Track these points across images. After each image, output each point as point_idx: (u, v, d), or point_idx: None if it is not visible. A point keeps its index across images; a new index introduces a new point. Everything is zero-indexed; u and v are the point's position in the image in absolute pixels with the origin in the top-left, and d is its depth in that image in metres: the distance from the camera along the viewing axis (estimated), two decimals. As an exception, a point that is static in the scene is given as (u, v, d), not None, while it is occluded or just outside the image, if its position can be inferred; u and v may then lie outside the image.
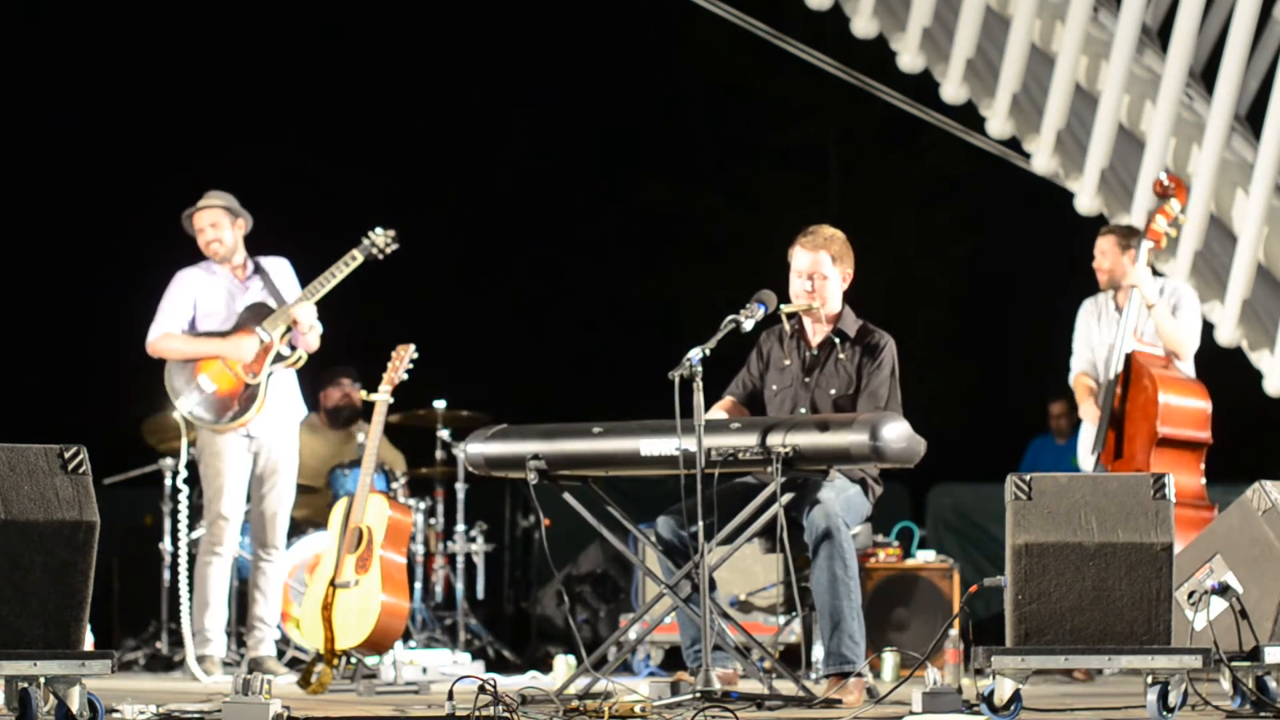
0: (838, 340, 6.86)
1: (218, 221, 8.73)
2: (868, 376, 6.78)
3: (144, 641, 10.17)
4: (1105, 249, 8.54)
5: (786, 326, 6.94)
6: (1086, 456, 8.56)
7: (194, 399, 8.56)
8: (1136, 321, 8.44)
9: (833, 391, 6.80)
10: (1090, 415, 8.48)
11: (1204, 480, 8.38)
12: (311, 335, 8.66)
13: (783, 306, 6.73)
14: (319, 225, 9.11)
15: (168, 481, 10.19)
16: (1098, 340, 8.60)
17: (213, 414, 8.55)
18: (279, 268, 8.84)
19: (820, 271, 6.84)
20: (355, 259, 8.63)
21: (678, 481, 6.23)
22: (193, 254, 8.84)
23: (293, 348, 8.66)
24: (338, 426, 10.45)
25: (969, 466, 13.88)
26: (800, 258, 6.87)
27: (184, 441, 8.60)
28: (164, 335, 8.65)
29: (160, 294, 8.78)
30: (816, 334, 6.91)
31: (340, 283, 8.63)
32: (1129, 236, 8.54)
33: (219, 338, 8.62)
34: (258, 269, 8.78)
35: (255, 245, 8.87)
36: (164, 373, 8.65)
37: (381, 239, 8.72)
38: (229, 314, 8.67)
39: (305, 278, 8.75)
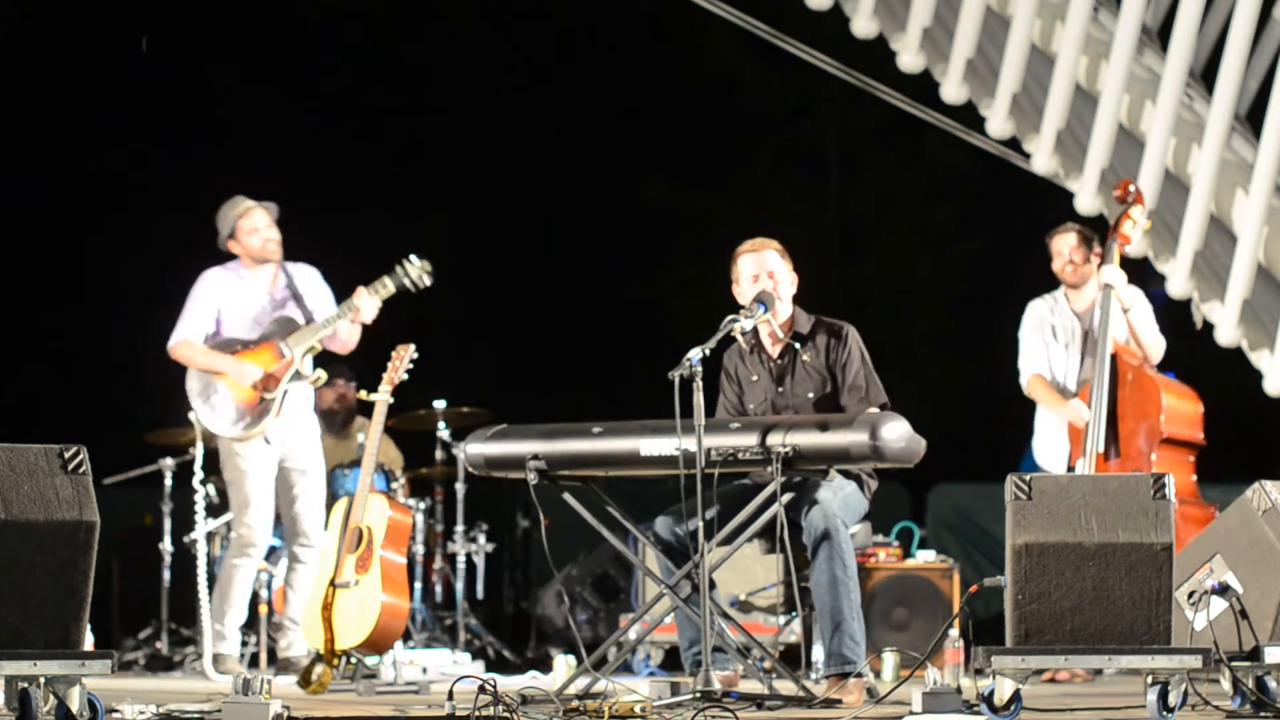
0: (797, 345, 6.83)
1: (272, 223, 8.57)
2: (840, 371, 6.76)
3: (144, 641, 10.17)
4: (1075, 245, 8.60)
5: (743, 343, 6.87)
6: (1056, 457, 8.56)
7: (209, 406, 8.46)
8: (1113, 321, 8.44)
9: (810, 395, 6.77)
10: (1078, 416, 8.42)
11: (1194, 477, 8.43)
12: (355, 327, 8.54)
13: (736, 325, 6.55)
14: (314, 227, 9.03)
15: (168, 481, 10.19)
16: (1059, 341, 8.62)
17: (227, 422, 8.47)
18: (308, 276, 8.68)
19: (775, 268, 6.81)
20: (386, 287, 8.46)
21: (678, 481, 6.23)
22: (204, 256, 8.71)
23: (316, 365, 8.56)
24: (333, 429, 10.31)
25: (969, 466, 13.87)
26: (748, 263, 6.82)
27: (198, 439, 8.56)
28: (184, 342, 8.52)
29: (165, 292, 8.67)
30: (774, 344, 6.87)
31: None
32: (1092, 234, 8.65)
33: (237, 350, 8.47)
34: (288, 276, 8.64)
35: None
36: (184, 376, 8.55)
37: (415, 270, 8.50)
38: (256, 322, 8.54)
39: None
